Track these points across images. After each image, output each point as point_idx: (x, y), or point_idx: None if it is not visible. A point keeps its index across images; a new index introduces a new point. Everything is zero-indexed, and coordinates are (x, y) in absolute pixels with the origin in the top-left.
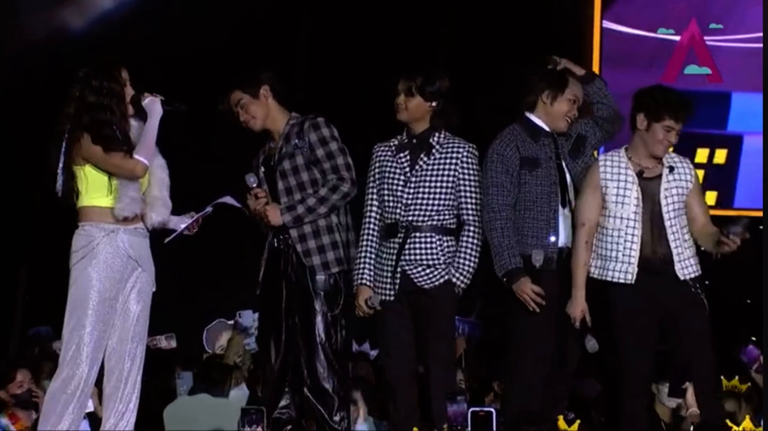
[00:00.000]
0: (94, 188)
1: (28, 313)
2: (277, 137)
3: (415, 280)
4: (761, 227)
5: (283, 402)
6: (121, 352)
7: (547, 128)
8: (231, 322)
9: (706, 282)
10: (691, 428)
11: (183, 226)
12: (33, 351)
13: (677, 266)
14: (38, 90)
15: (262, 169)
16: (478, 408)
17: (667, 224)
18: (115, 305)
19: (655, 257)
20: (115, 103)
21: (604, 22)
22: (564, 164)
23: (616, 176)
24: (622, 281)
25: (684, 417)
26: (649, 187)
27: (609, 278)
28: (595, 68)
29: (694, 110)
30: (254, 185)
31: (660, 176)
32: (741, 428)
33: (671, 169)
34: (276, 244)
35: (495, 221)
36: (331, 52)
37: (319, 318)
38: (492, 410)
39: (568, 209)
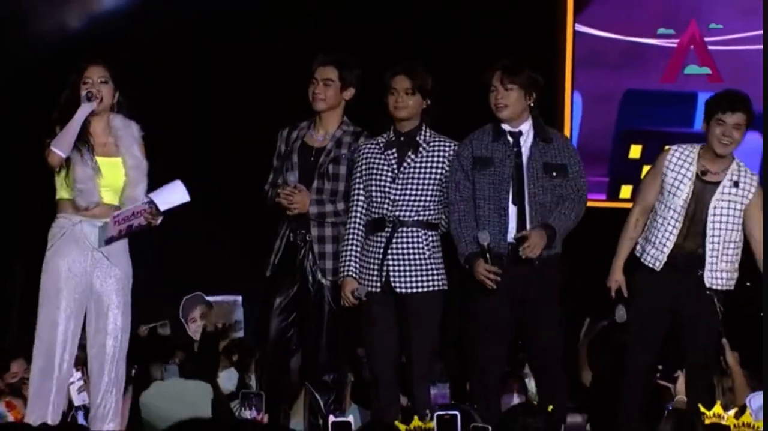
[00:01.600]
0: (58, 182)
1: (25, 304)
2: (322, 130)
3: (400, 288)
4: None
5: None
6: (99, 343)
7: (509, 128)
8: (209, 297)
9: (747, 284)
10: (666, 413)
11: (112, 233)
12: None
13: (707, 275)
14: (36, 89)
15: (296, 155)
16: (443, 412)
17: (709, 232)
18: (84, 295)
19: (678, 252)
20: (63, 100)
21: (576, 25)
22: (525, 162)
23: (678, 167)
24: (650, 266)
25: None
26: (705, 190)
27: (642, 260)
28: (568, 71)
29: (748, 104)
30: (291, 185)
31: (719, 183)
32: (712, 412)
33: (735, 184)
34: (292, 239)
35: (452, 213)
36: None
37: (327, 313)
38: (456, 413)
39: (519, 208)
